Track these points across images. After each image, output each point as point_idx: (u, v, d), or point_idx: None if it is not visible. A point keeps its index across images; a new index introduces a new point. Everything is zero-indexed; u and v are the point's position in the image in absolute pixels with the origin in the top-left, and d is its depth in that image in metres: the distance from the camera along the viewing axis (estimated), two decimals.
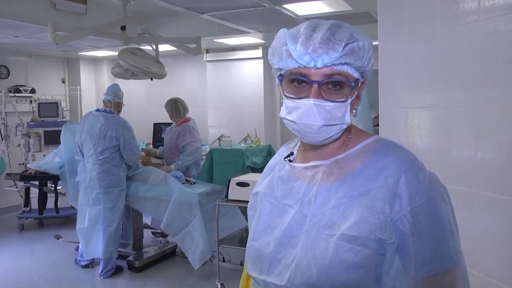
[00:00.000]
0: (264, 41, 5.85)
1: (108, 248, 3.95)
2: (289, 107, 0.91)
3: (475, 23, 1.70)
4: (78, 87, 7.29)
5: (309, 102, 0.88)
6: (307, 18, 4.24)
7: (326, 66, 0.86)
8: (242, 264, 3.77)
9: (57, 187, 4.96)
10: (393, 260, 0.86)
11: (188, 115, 4.74)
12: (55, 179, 4.65)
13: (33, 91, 6.43)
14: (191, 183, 4.23)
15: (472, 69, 1.72)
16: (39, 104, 5.91)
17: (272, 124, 6.51)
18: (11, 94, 6.07)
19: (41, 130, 5.74)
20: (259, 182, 1.11)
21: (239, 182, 3.43)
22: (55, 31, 3.69)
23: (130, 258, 4.22)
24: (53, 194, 4.99)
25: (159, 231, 4.53)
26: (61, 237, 4.90)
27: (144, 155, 4.76)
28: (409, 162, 0.90)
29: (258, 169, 4.54)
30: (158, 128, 6.68)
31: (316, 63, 0.86)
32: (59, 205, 5.02)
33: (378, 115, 2.26)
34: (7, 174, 5.20)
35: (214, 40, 5.61)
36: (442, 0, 1.85)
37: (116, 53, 4.32)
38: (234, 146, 5.24)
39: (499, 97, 1.64)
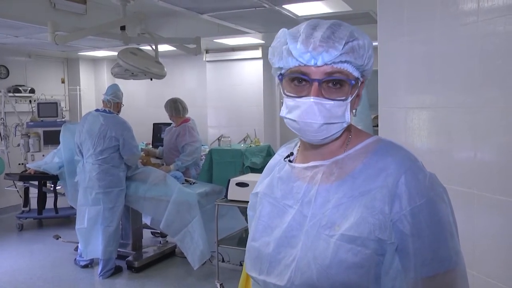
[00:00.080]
0: (264, 42, 5.86)
1: (107, 248, 3.95)
2: (289, 106, 0.91)
3: (474, 24, 1.70)
4: (78, 87, 7.29)
5: (309, 101, 0.88)
6: (307, 18, 4.21)
7: (326, 64, 0.87)
8: (241, 264, 3.77)
9: (57, 187, 4.95)
10: (393, 261, 0.86)
11: (187, 115, 4.74)
12: (55, 179, 4.65)
13: (32, 91, 6.43)
14: (190, 183, 4.23)
15: (472, 69, 1.72)
16: (38, 104, 5.91)
17: (272, 125, 6.51)
18: (11, 94, 6.06)
19: (40, 130, 5.74)
20: (259, 182, 1.11)
21: (239, 183, 3.43)
22: (55, 31, 3.69)
23: (130, 258, 4.22)
24: (53, 194, 4.98)
25: (159, 231, 4.53)
26: (60, 237, 4.90)
27: (144, 155, 4.76)
28: (409, 162, 0.90)
29: (258, 170, 4.54)
30: (158, 128, 6.68)
31: (317, 61, 0.86)
32: (59, 205, 5.01)
33: (377, 115, 2.26)
34: (7, 174, 5.19)
35: (214, 40, 5.61)
36: (442, 1, 1.86)
37: (116, 53, 4.32)
38: (234, 146, 5.23)
39: (499, 98, 1.65)
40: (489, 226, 1.69)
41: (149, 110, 7.08)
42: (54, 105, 5.95)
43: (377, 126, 2.24)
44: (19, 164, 5.82)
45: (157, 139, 6.54)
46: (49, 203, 5.06)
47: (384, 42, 2.19)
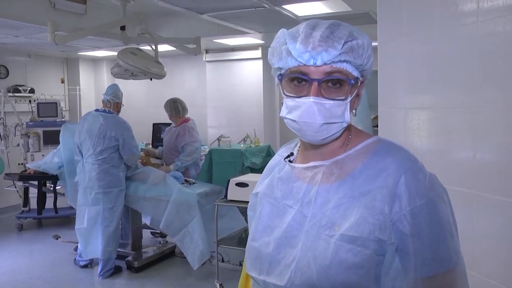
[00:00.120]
0: (263, 42, 5.86)
1: (107, 248, 3.95)
2: (289, 106, 0.91)
3: (474, 24, 1.70)
4: (78, 87, 7.29)
5: (309, 101, 0.88)
6: (307, 18, 4.21)
7: (325, 64, 0.87)
8: (241, 265, 3.77)
9: (56, 187, 4.95)
10: (393, 261, 0.86)
11: (187, 116, 4.74)
12: (54, 179, 4.65)
13: (32, 91, 6.43)
14: (190, 184, 4.23)
15: (471, 70, 1.73)
16: (38, 104, 5.91)
17: (272, 125, 6.51)
18: (10, 94, 6.06)
19: (40, 130, 5.74)
20: (259, 182, 1.11)
21: (238, 183, 3.43)
22: (55, 31, 3.69)
23: (129, 258, 4.22)
24: (52, 194, 4.98)
25: (158, 231, 4.53)
26: (60, 237, 4.90)
27: (143, 155, 4.76)
28: (409, 162, 0.90)
29: (257, 170, 4.54)
30: (158, 128, 6.68)
31: (316, 61, 0.87)
32: (58, 205, 5.00)
33: (377, 115, 2.26)
34: (6, 174, 5.19)
35: (214, 40, 5.61)
36: (441, 1, 1.86)
37: (116, 53, 4.32)
38: (234, 146, 5.23)
39: (498, 98, 1.65)
40: (489, 227, 1.69)
41: (149, 110, 7.08)
42: (54, 105, 5.95)
43: (377, 126, 2.24)
44: (19, 164, 5.82)
45: (156, 139, 6.54)
46: (49, 203, 5.06)
47: (384, 43, 2.19)
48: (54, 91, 6.92)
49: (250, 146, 5.12)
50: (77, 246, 4.30)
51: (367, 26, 4.20)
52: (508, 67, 1.59)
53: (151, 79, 4.58)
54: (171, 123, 4.84)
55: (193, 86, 6.99)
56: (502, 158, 1.64)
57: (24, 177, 4.90)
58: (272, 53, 0.94)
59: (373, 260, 0.86)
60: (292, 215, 0.96)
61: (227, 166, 4.69)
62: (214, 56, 6.49)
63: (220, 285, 3.42)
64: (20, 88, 6.29)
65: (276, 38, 0.94)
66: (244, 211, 3.79)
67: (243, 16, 4.36)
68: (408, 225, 0.85)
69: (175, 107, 4.66)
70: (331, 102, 0.88)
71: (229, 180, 3.50)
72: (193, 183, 4.28)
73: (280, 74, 0.93)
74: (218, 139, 5.70)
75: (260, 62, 6.27)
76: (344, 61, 0.87)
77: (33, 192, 5.29)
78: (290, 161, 1.04)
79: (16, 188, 5.70)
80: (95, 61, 7.52)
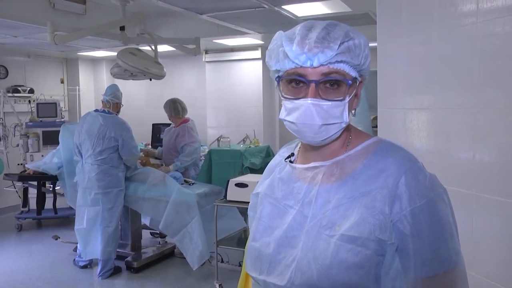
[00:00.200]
0: (263, 42, 5.86)
1: (106, 249, 3.95)
2: (288, 108, 0.92)
3: (473, 25, 1.70)
4: (77, 88, 7.29)
5: (306, 102, 0.88)
6: (307, 19, 4.23)
7: (322, 65, 0.87)
8: (240, 265, 3.77)
9: (56, 188, 4.95)
10: (393, 261, 0.86)
11: (187, 116, 4.74)
12: (54, 179, 4.65)
13: (31, 91, 6.42)
14: (189, 184, 4.23)
15: (471, 70, 1.73)
16: (37, 104, 5.90)
17: (271, 125, 6.51)
18: (10, 94, 6.06)
19: (39, 130, 5.73)
20: (260, 183, 1.11)
21: (238, 183, 3.43)
22: (54, 31, 3.68)
23: (129, 258, 4.22)
24: (52, 195, 4.98)
25: (158, 232, 4.52)
26: (59, 238, 4.90)
27: (143, 155, 4.76)
28: (409, 163, 0.91)
29: (257, 170, 4.54)
30: (157, 129, 6.67)
31: (313, 62, 0.87)
32: (58, 205, 5.01)
33: (377, 116, 2.26)
34: (6, 175, 5.19)
35: (213, 40, 5.61)
36: (440, 2, 1.86)
37: (115, 54, 4.32)
38: (233, 147, 5.23)
39: (498, 99, 1.65)
40: (488, 227, 1.69)
41: (149, 110, 7.08)
42: (53, 105, 5.95)
43: (377, 127, 2.24)
44: (18, 164, 5.81)
45: (156, 140, 6.54)
46: (48, 204, 5.06)
47: (383, 43, 2.19)
48: (54, 92, 6.92)
49: (249, 147, 5.12)
50: (76, 247, 4.30)
51: (366, 26, 4.21)
52: (507, 67, 1.59)
53: (150, 80, 4.58)
54: (170, 124, 4.84)
55: (192, 86, 6.99)
56: (502, 158, 1.64)
57: (24, 177, 4.90)
58: (269, 55, 0.95)
59: (373, 260, 0.86)
60: (293, 215, 0.96)
61: (227, 166, 4.69)
62: (213, 57, 6.50)
63: (219, 285, 3.43)
64: (19, 88, 6.28)
65: (273, 40, 0.94)
66: (243, 212, 3.80)
67: (242, 17, 4.36)
68: (408, 226, 0.85)
69: (175, 107, 4.66)
70: (329, 103, 0.89)
71: (228, 181, 3.50)
72: (193, 183, 4.28)
73: (278, 76, 0.93)
74: (218, 140, 5.70)
75: (260, 62, 6.27)
76: (341, 61, 0.87)
77: (33, 193, 5.29)
78: (290, 161, 1.04)
79: (15, 188, 5.69)
80: (94, 61, 7.52)
